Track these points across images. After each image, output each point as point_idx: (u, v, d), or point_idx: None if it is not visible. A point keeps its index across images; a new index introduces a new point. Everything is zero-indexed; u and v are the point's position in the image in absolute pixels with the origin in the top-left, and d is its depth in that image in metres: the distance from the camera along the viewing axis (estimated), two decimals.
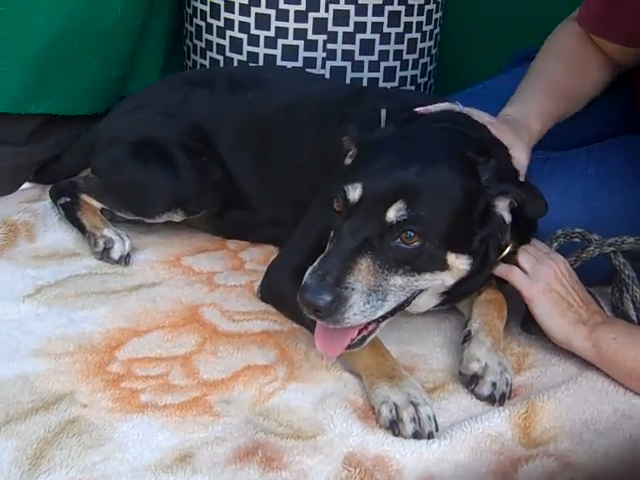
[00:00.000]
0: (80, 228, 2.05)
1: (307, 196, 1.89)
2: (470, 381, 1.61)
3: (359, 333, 1.55)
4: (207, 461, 1.37)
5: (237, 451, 1.40)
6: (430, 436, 1.46)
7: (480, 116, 1.82)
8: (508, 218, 1.60)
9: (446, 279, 1.59)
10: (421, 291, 1.60)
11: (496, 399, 1.58)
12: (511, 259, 1.74)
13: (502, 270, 1.73)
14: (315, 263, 1.49)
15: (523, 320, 1.83)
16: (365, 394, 1.56)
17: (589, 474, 1.41)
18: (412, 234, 1.50)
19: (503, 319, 1.76)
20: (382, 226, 1.50)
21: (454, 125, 1.76)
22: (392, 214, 1.50)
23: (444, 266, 1.56)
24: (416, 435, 1.46)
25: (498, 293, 1.80)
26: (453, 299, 1.77)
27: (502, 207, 1.59)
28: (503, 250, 1.70)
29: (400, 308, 1.60)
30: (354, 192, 1.54)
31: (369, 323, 1.54)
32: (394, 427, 1.47)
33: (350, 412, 1.51)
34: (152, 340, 1.69)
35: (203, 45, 2.59)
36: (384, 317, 1.57)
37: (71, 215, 2.08)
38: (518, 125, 1.90)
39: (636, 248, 1.78)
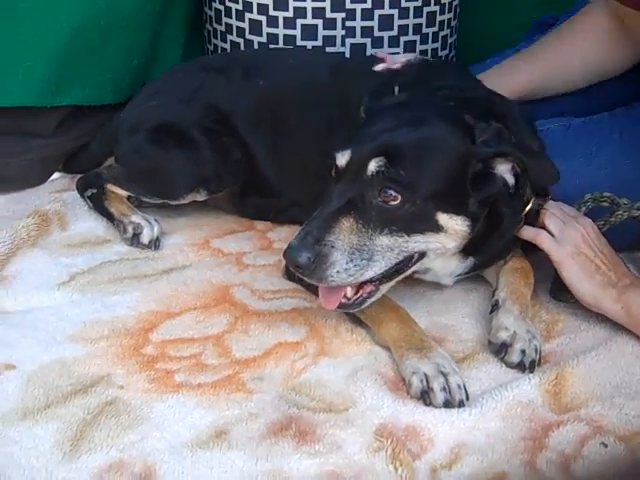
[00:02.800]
0: (109, 217, 2.09)
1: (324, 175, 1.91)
2: (499, 349, 1.63)
3: (357, 293, 1.59)
4: (242, 437, 1.40)
5: (271, 426, 1.43)
6: (461, 405, 1.48)
7: None
8: (511, 181, 1.59)
9: (445, 241, 1.59)
10: (422, 255, 1.61)
11: (526, 366, 1.59)
12: (537, 221, 1.75)
13: (529, 233, 1.74)
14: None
15: (552, 288, 1.83)
16: (395, 366, 1.58)
17: (620, 437, 1.42)
18: (391, 192, 1.52)
19: (530, 287, 1.77)
20: (364, 185, 1.53)
21: (460, 91, 1.77)
22: (370, 168, 1.53)
23: (436, 227, 1.56)
24: (447, 404, 1.48)
25: (524, 261, 1.81)
26: (478, 266, 1.78)
27: (503, 170, 1.58)
28: (526, 206, 1.70)
29: (400, 272, 1.61)
30: (342, 158, 1.58)
31: (365, 284, 1.58)
32: (425, 397, 1.49)
33: (381, 384, 1.53)
34: (184, 322, 1.73)
35: (223, 29, 2.60)
36: (382, 280, 1.59)
37: (99, 205, 2.12)
38: None
39: None
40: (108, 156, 2.27)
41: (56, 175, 2.38)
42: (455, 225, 1.57)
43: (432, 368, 1.51)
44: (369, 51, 2.51)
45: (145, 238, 2.00)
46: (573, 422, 1.46)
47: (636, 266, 1.89)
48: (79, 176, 2.23)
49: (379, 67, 2.00)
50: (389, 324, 1.63)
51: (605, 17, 2.07)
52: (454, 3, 2.65)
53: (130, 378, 1.54)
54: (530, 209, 1.72)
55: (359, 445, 1.39)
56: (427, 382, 1.50)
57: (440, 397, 1.48)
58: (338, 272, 1.51)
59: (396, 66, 1.98)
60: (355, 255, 1.52)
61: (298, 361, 1.61)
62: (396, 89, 1.83)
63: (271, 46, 2.51)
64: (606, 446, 1.40)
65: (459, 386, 1.50)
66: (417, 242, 1.57)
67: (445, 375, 1.50)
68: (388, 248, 1.55)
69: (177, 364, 1.59)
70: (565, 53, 2.10)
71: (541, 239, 1.73)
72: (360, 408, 1.47)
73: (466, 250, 1.67)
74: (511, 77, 2.09)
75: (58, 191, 2.25)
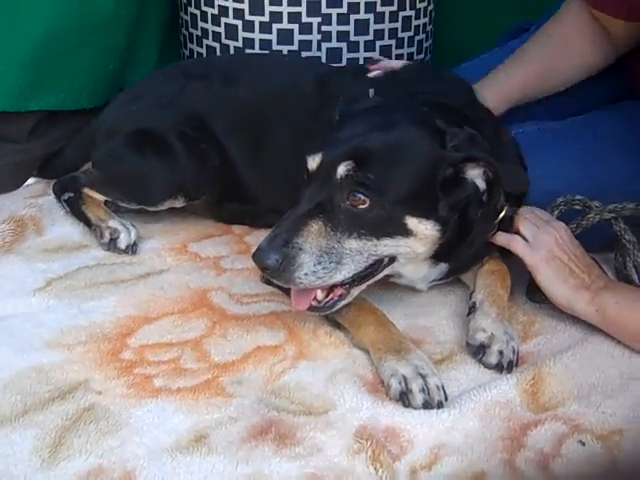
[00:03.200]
0: (86, 221, 2.07)
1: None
2: (477, 351, 1.64)
3: (327, 296, 1.60)
4: (222, 441, 1.40)
5: (251, 430, 1.43)
6: (440, 405, 1.49)
7: None
8: (482, 186, 1.60)
9: (414, 246, 1.59)
10: (392, 260, 1.61)
11: (504, 367, 1.60)
12: (510, 226, 1.76)
13: (503, 239, 1.76)
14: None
15: (528, 289, 1.85)
16: (374, 369, 1.59)
17: (597, 436, 1.43)
18: (360, 196, 1.53)
19: (507, 289, 1.78)
20: (333, 188, 1.54)
21: (436, 96, 1.78)
22: (339, 172, 1.54)
23: (405, 231, 1.57)
24: (426, 405, 1.48)
25: (501, 264, 1.82)
26: (453, 272, 1.79)
27: (474, 175, 1.59)
28: (499, 214, 1.71)
29: (370, 276, 1.62)
30: (313, 162, 1.59)
31: (336, 287, 1.59)
32: (404, 398, 1.49)
33: (360, 386, 1.54)
34: (162, 326, 1.72)
35: (199, 33, 2.60)
36: (353, 284, 1.60)
37: (76, 210, 2.10)
38: None
39: (636, 214, 1.80)
40: (84, 161, 2.26)
41: (31, 180, 2.36)
42: (425, 229, 1.58)
43: (410, 370, 1.52)
44: (345, 55, 2.53)
45: (122, 243, 1.99)
46: (551, 421, 1.47)
47: (608, 267, 1.91)
48: (55, 181, 2.22)
49: (374, 73, 2.00)
50: (367, 327, 1.64)
51: (585, 15, 2.09)
52: (429, 8, 2.67)
53: (108, 383, 1.54)
54: (503, 217, 1.73)
55: (339, 447, 1.39)
56: (406, 384, 1.50)
57: (419, 398, 1.49)
58: (306, 274, 1.52)
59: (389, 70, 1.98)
60: (323, 258, 1.53)
61: (277, 364, 1.61)
62: (371, 92, 1.84)
63: (247, 51, 2.52)
64: (584, 444, 1.42)
65: (438, 387, 1.51)
66: (386, 246, 1.58)
67: (424, 377, 1.51)
68: (357, 252, 1.56)
69: (156, 369, 1.58)
70: (554, 54, 2.11)
71: (514, 244, 1.75)
72: (340, 410, 1.48)
73: (437, 256, 1.68)
74: (506, 84, 2.09)
75: (33, 196, 2.23)
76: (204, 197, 2.11)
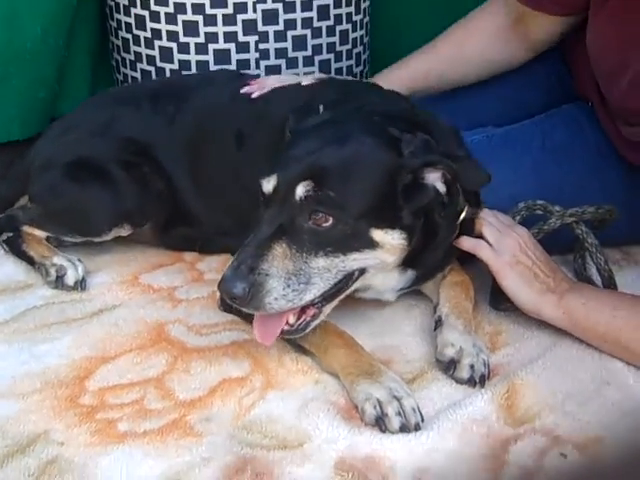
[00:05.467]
0: (29, 260, 1.99)
1: (249, 202, 1.86)
2: (448, 367, 1.61)
3: (299, 318, 1.56)
4: None
5: (226, 470, 1.37)
6: (417, 428, 1.45)
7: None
8: (442, 189, 1.59)
9: (384, 257, 1.57)
10: (362, 272, 1.59)
11: (476, 381, 1.57)
12: (472, 228, 1.75)
13: (468, 243, 1.74)
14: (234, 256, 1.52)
15: (491, 297, 1.84)
16: (346, 394, 1.54)
17: (577, 446, 1.42)
18: (321, 215, 1.50)
19: (471, 300, 1.77)
20: (293, 209, 1.51)
21: (383, 106, 1.77)
22: (298, 193, 1.51)
23: (372, 244, 1.54)
24: (403, 428, 1.44)
25: (463, 274, 1.81)
26: (419, 279, 1.76)
27: (433, 179, 1.57)
28: (459, 215, 1.69)
29: (341, 291, 1.59)
30: (268, 184, 1.56)
31: (307, 308, 1.56)
32: (380, 423, 1.45)
33: (334, 414, 1.49)
34: (121, 365, 1.64)
35: (132, 57, 2.53)
36: (324, 302, 1.57)
37: (16, 249, 2.02)
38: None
39: (597, 217, 1.80)
40: (20, 196, 2.16)
41: None
42: (391, 240, 1.55)
43: (385, 393, 1.48)
44: (284, 72, 2.49)
45: (70, 280, 1.91)
46: (530, 435, 1.45)
47: (567, 269, 1.91)
48: None
49: (245, 89, 1.98)
50: (335, 350, 1.59)
51: (503, 14, 2.14)
52: (365, 20, 2.66)
53: (70, 432, 1.45)
54: (464, 218, 1.71)
55: None
56: (381, 408, 1.46)
57: (396, 422, 1.45)
58: (276, 299, 1.48)
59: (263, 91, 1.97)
60: (292, 280, 1.49)
61: (245, 397, 1.55)
62: (321, 108, 1.81)
63: (184, 72, 2.46)
64: (565, 456, 1.40)
65: (414, 409, 1.47)
66: (355, 260, 1.55)
67: (399, 399, 1.47)
68: (325, 269, 1.53)
69: (119, 412, 1.51)
70: (465, 46, 2.16)
71: (480, 249, 1.73)
72: (316, 442, 1.43)
73: (405, 263, 1.66)
74: (404, 69, 2.16)
75: None
76: (150, 223, 2.04)
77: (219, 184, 1.96)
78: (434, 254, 1.70)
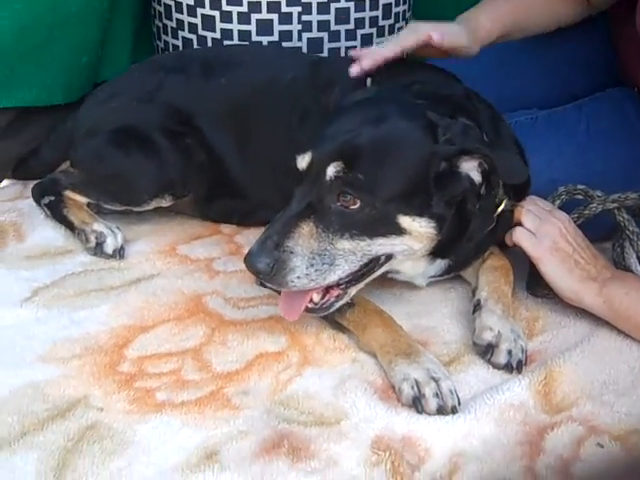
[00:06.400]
0: (69, 225, 1.99)
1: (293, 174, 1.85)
2: (485, 351, 1.61)
3: (324, 297, 1.56)
4: (234, 457, 1.35)
5: (262, 444, 1.38)
6: (454, 411, 1.45)
7: None
8: (478, 179, 1.56)
9: (411, 243, 1.55)
10: (389, 257, 1.58)
11: (513, 367, 1.57)
12: (511, 220, 1.73)
13: (507, 237, 1.72)
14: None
15: (528, 283, 1.82)
16: (383, 374, 1.54)
17: (615, 437, 1.41)
18: (350, 197, 1.49)
19: (510, 285, 1.75)
20: (323, 189, 1.51)
21: (432, 87, 1.74)
22: (329, 173, 1.50)
23: (399, 230, 1.53)
24: (440, 410, 1.44)
25: (503, 259, 1.79)
26: (454, 267, 1.75)
27: (468, 168, 1.54)
28: (497, 207, 1.67)
29: (367, 275, 1.59)
30: (302, 161, 1.55)
31: (332, 288, 1.56)
32: (417, 404, 1.45)
33: (371, 394, 1.49)
34: (159, 335, 1.66)
35: (174, 25, 2.52)
36: (350, 283, 1.57)
37: (57, 214, 2.02)
38: (467, 23, 1.95)
39: (639, 204, 1.77)
40: (62, 160, 2.17)
41: (5, 182, 2.27)
42: (419, 227, 1.54)
43: (423, 373, 1.48)
44: (326, 45, 2.46)
45: (109, 247, 1.92)
46: (567, 423, 1.44)
47: (606, 257, 1.89)
48: (31, 183, 2.13)
49: (354, 71, 1.86)
50: (374, 329, 1.59)
51: None
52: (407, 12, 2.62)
53: (109, 399, 1.47)
54: (503, 210, 1.69)
55: (356, 459, 1.35)
56: (418, 388, 1.46)
57: (433, 403, 1.45)
58: (298, 277, 1.49)
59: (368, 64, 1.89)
60: (316, 260, 1.49)
61: (282, 372, 1.56)
62: (368, 82, 1.79)
63: (225, 42, 2.44)
64: (602, 447, 1.39)
65: (451, 391, 1.47)
66: (381, 245, 1.54)
67: (436, 380, 1.47)
68: (350, 252, 1.52)
69: (157, 381, 1.52)
70: None
71: (517, 236, 1.71)
72: (353, 420, 1.43)
73: (435, 252, 1.64)
74: (500, 7, 2.05)
75: (11, 200, 2.14)
76: (191, 195, 2.04)
77: (271, 157, 1.94)
78: (466, 245, 1.67)
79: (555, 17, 2.11)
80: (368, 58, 1.84)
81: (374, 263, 1.58)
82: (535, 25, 2.10)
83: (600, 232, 1.89)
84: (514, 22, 2.04)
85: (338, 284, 1.56)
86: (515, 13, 2.04)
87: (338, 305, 1.59)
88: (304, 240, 1.49)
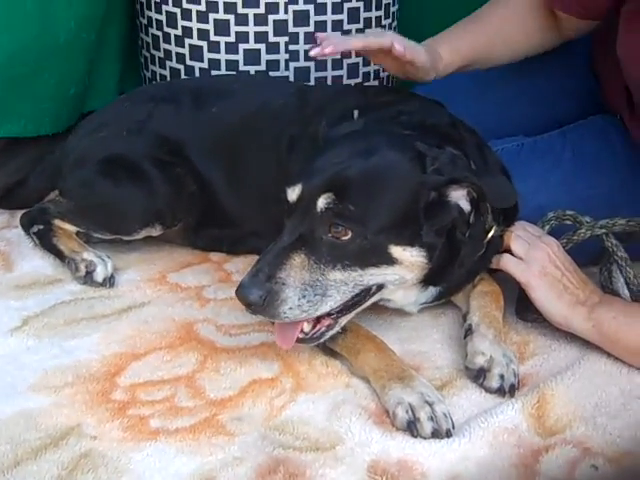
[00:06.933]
0: (58, 254, 1.99)
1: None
2: (477, 375, 1.61)
3: (314, 327, 1.57)
4: None
5: (258, 469, 1.37)
6: (448, 434, 1.45)
7: None
8: (467, 207, 1.58)
9: (402, 273, 1.57)
10: (380, 287, 1.59)
11: (506, 391, 1.58)
12: (500, 245, 1.75)
13: (495, 262, 1.74)
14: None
15: (518, 308, 1.84)
16: (377, 398, 1.55)
17: (609, 459, 1.42)
18: (341, 228, 1.50)
19: (501, 310, 1.76)
20: (314, 221, 1.52)
21: (419, 117, 1.76)
22: (319, 205, 1.51)
23: (391, 260, 1.54)
24: (435, 434, 1.45)
25: (493, 284, 1.81)
26: (444, 294, 1.77)
27: (457, 197, 1.56)
28: (487, 234, 1.69)
29: (358, 304, 1.59)
30: (293, 193, 1.56)
31: (323, 318, 1.56)
32: (412, 428, 1.46)
33: (366, 418, 1.49)
34: (151, 363, 1.65)
35: (162, 55, 2.54)
36: (341, 313, 1.58)
37: (47, 243, 2.02)
38: (428, 49, 1.95)
39: (627, 230, 1.80)
40: (49, 190, 2.17)
41: None
42: (410, 257, 1.55)
43: (417, 398, 1.48)
44: (313, 74, 2.49)
45: (99, 276, 1.92)
46: (561, 445, 1.45)
47: (593, 281, 1.91)
48: (19, 212, 2.12)
49: (313, 52, 1.86)
50: (367, 354, 1.60)
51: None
52: (393, 24, 2.66)
53: (102, 427, 1.46)
54: (492, 236, 1.70)
55: None
56: (413, 412, 1.47)
57: (428, 427, 1.45)
58: (290, 309, 1.49)
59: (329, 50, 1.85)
60: (308, 291, 1.50)
61: (276, 398, 1.55)
62: (355, 113, 1.81)
63: (213, 72, 2.47)
64: (597, 468, 1.40)
65: (445, 415, 1.47)
66: (372, 275, 1.55)
67: (430, 404, 1.48)
68: (342, 282, 1.53)
69: (150, 409, 1.52)
70: (508, 21, 2.09)
71: (505, 262, 1.73)
72: (348, 445, 1.43)
73: (426, 280, 1.65)
74: (459, 39, 2.07)
75: None
76: (181, 224, 2.05)
77: (261, 186, 1.96)
78: (457, 272, 1.68)
79: (521, 49, 2.13)
80: (332, 44, 1.85)
81: (365, 293, 1.59)
82: (498, 58, 2.12)
83: (587, 257, 1.91)
84: (475, 54, 2.07)
85: (329, 314, 1.57)
86: (475, 46, 2.07)
87: (329, 335, 1.60)
88: (296, 271, 1.50)
